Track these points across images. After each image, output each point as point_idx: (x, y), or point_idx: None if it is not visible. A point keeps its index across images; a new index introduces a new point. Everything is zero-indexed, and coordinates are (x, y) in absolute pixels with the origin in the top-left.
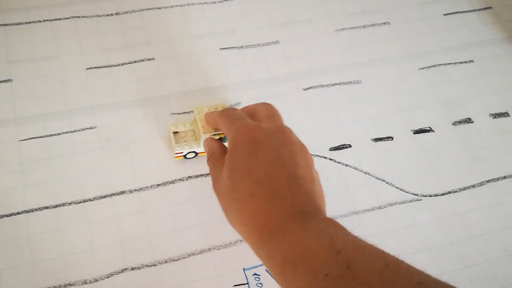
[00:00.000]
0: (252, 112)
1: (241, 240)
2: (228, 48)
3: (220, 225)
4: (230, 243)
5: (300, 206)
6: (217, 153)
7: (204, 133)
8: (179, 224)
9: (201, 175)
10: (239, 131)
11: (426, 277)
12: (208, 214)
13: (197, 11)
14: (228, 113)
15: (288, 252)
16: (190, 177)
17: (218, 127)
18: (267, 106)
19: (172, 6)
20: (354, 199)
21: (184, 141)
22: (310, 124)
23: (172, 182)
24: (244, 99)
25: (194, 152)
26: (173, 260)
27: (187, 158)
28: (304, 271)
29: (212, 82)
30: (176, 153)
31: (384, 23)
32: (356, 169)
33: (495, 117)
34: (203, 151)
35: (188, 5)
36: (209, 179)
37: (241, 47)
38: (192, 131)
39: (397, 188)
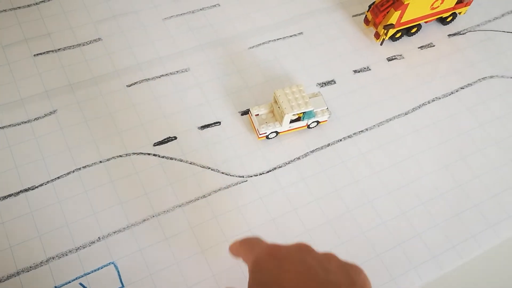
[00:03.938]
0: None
1: (53, 257)
2: (44, 53)
3: (30, 244)
4: (41, 262)
5: None
6: None
7: (288, 113)
8: None
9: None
10: (260, 253)
11: None
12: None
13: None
14: (248, 241)
15: None
16: None
17: (240, 255)
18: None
19: None
20: (179, 192)
21: (266, 122)
22: (135, 121)
23: None
24: (60, 104)
25: (275, 132)
26: None
27: (269, 138)
28: None
29: (24, 92)
30: (261, 134)
31: (215, 6)
32: (181, 161)
33: (322, 86)
34: (284, 130)
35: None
36: None
37: (58, 49)
38: (271, 113)
39: (222, 173)
